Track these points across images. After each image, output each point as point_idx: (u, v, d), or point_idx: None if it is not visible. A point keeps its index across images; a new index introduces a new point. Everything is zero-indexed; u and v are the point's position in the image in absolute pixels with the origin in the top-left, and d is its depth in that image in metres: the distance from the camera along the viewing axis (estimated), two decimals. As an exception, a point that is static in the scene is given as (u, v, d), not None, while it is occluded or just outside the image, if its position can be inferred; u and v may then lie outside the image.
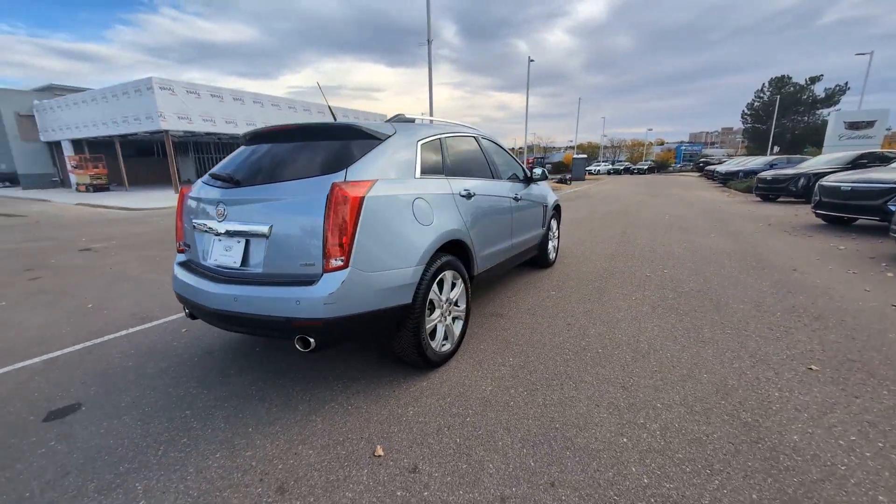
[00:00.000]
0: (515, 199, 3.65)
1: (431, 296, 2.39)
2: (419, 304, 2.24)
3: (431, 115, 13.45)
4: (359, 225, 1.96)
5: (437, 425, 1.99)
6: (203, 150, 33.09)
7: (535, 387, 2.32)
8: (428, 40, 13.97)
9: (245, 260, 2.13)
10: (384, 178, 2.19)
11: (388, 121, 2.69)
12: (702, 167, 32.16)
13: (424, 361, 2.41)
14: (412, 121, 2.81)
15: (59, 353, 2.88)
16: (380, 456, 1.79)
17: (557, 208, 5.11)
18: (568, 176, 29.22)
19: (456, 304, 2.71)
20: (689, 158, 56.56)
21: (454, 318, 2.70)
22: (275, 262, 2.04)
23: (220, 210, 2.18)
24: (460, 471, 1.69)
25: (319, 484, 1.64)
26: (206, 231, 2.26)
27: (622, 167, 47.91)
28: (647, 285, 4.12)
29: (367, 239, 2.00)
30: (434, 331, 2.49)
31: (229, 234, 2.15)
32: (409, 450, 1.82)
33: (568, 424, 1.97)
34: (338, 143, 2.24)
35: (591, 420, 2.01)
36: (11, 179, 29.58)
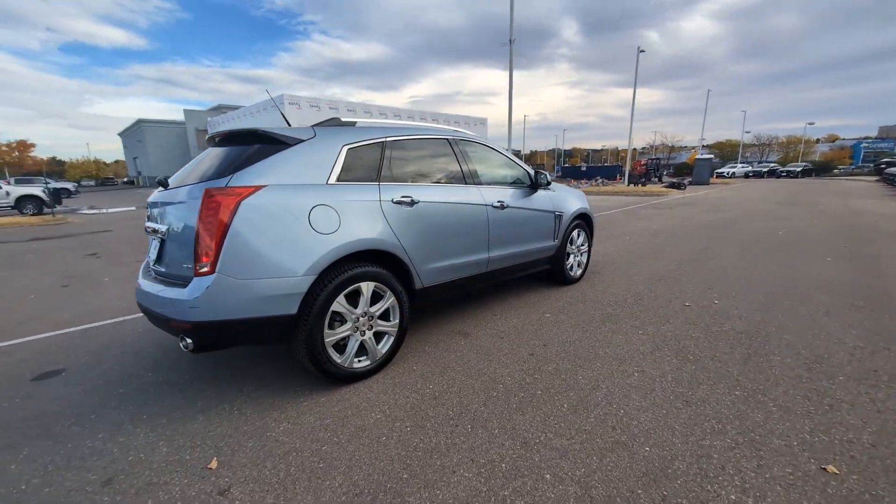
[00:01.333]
0: (500, 206, 3.27)
1: (338, 308, 2.26)
2: (312, 316, 2.14)
3: (510, 117, 13.08)
4: (229, 231, 1.95)
5: (289, 448, 1.87)
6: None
7: (425, 423, 2.02)
8: (510, 40, 13.57)
9: (159, 258, 2.30)
10: (281, 183, 2.15)
11: (319, 124, 2.63)
12: (881, 169, 24.95)
13: (325, 375, 2.29)
14: (352, 124, 2.70)
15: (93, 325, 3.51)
16: (209, 469, 1.75)
17: (586, 219, 4.45)
18: (686, 180, 25.53)
19: (383, 318, 2.53)
20: (873, 158, 44.57)
21: (378, 334, 2.52)
22: (170, 263, 2.16)
23: (150, 212, 2.40)
24: (264, 503, 1.55)
25: (140, 485, 1.67)
26: (147, 231, 2.50)
27: (766, 169, 39.97)
28: (674, 318, 3.31)
29: (240, 246, 1.97)
30: (344, 345, 2.36)
31: (151, 232, 2.35)
32: (240, 469, 1.74)
33: (419, 476, 1.67)
34: (244, 148, 2.27)
35: (450, 478, 1.66)
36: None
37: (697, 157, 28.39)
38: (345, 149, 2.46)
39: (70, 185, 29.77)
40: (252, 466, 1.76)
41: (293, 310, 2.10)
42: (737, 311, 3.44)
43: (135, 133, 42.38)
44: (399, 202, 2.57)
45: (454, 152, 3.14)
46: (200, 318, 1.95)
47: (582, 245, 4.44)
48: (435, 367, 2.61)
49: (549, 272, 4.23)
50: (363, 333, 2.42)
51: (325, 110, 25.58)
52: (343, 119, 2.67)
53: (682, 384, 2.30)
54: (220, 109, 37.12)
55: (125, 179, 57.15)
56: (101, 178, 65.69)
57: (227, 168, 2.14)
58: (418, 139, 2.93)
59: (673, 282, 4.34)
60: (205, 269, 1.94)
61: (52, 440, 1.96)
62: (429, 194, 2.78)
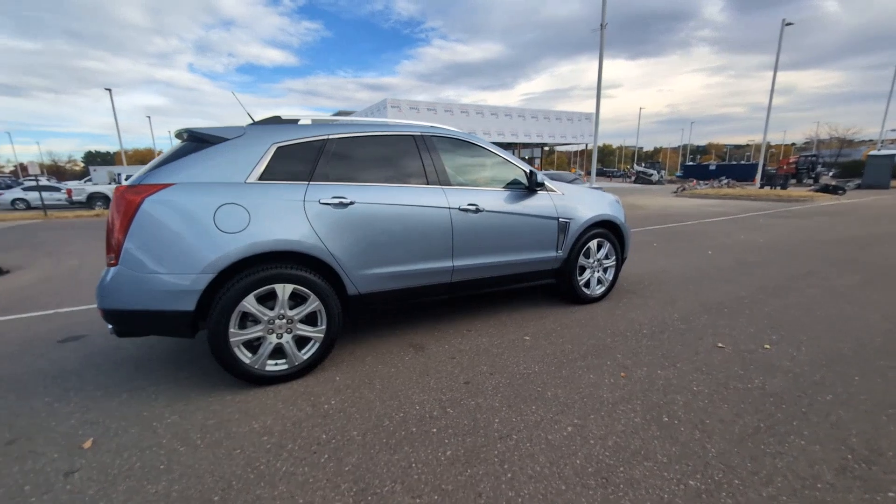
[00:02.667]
0: (472, 210, 2.90)
1: (251, 309, 2.24)
2: (214, 314, 2.14)
3: (598, 107, 11.74)
4: (131, 227, 2.05)
5: (155, 443, 1.88)
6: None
7: (288, 444, 1.86)
8: (601, 25, 12.18)
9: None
10: (191, 181, 2.19)
11: (257, 122, 2.61)
12: None
13: (233, 374, 2.29)
14: (295, 121, 2.62)
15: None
16: (81, 448, 1.86)
17: (612, 228, 3.73)
18: (851, 183, 20.17)
19: (309, 322, 2.43)
20: None
21: (302, 338, 2.44)
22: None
23: None
24: (86, 494, 1.58)
25: (23, 451, 1.84)
26: None
27: None
28: (687, 361, 2.55)
29: (140, 241, 2.06)
30: (258, 345, 2.33)
31: None
32: (102, 454, 1.81)
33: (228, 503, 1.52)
34: (181, 146, 2.37)
35: (254, 512, 1.48)
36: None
37: (871, 153, 22.14)
38: (274, 147, 2.41)
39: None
40: (113, 454, 1.82)
41: (190, 307, 2.12)
42: (789, 363, 2.50)
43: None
44: (328, 203, 2.43)
45: (419, 151, 2.88)
46: (107, 305, 2.10)
47: (605, 259, 3.73)
48: (357, 380, 2.42)
49: (555, 288, 3.66)
50: (280, 336, 2.36)
51: (423, 112, 26.64)
52: (285, 116, 2.63)
53: (619, 456, 1.72)
54: (340, 114, 41.45)
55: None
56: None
57: (156, 165, 2.27)
58: (372, 136, 2.75)
59: (727, 313, 3.38)
60: (112, 261, 2.08)
61: None
62: (371, 195, 2.59)
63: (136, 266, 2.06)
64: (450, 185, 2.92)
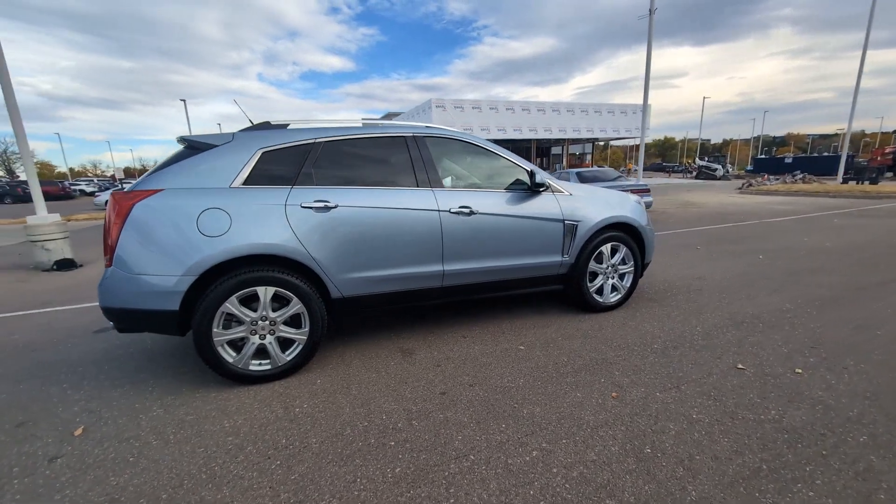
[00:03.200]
0: (464, 212, 2.79)
1: (233, 310, 2.31)
2: (198, 314, 2.23)
3: (646, 99, 10.87)
4: (123, 230, 2.18)
5: (134, 434, 1.98)
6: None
7: (247, 447, 1.88)
8: (650, 11, 11.25)
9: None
10: (180, 187, 2.29)
11: (248, 129, 2.66)
12: None
13: (217, 372, 2.37)
14: (284, 126, 2.65)
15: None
16: (72, 434, 2.01)
17: (630, 231, 3.43)
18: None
19: (293, 324, 2.47)
20: None
21: (286, 340, 2.47)
22: None
23: None
24: (59, 481, 1.70)
25: (24, 433, 2.03)
26: None
27: None
28: (694, 384, 2.26)
29: (131, 243, 2.19)
30: (242, 345, 2.39)
31: None
32: (87, 442, 1.94)
33: None
34: (176, 153, 2.49)
35: (193, 515, 1.50)
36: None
37: None
38: (259, 152, 2.46)
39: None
40: (96, 443, 1.94)
41: (175, 306, 2.22)
42: (821, 393, 2.13)
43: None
44: (310, 207, 2.45)
45: (410, 152, 2.81)
46: (104, 303, 2.26)
47: (621, 264, 3.44)
48: (336, 384, 2.41)
49: (564, 294, 3.44)
50: (263, 337, 2.41)
51: (467, 110, 26.54)
52: (274, 122, 2.67)
53: (580, 490, 1.55)
54: (389, 115, 42.46)
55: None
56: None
57: (153, 171, 2.41)
58: (362, 139, 2.73)
59: (761, 329, 2.97)
60: (107, 262, 2.23)
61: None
62: (355, 199, 2.56)
63: (127, 267, 2.20)
64: (441, 186, 2.83)
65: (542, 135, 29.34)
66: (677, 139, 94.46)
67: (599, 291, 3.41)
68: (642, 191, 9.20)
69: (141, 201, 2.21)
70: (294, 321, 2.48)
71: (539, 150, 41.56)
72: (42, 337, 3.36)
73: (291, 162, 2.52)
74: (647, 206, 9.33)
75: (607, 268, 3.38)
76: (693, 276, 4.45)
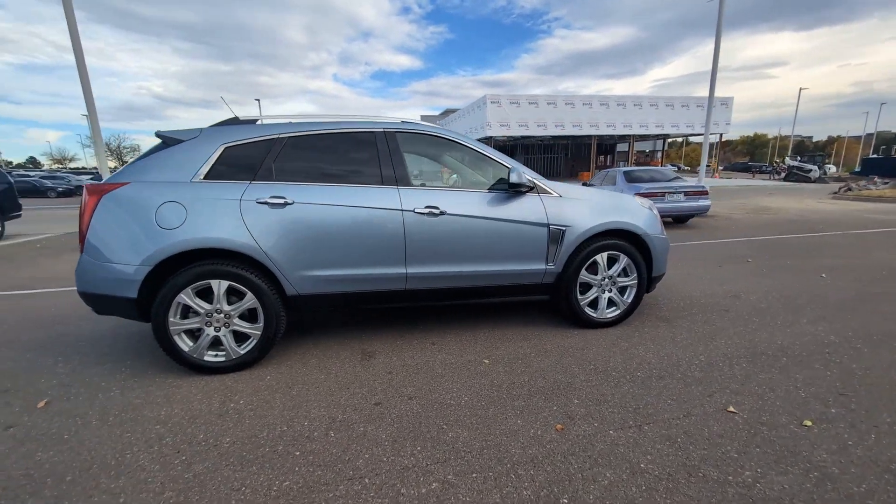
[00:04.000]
0: (431, 213, 2.63)
1: (188, 301, 2.38)
2: (155, 303, 2.33)
3: (712, 88, 9.55)
4: (92, 220, 2.32)
5: (79, 414, 2.11)
6: (531, 150, 37.90)
7: (134, 446, 1.91)
8: None
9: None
10: (144, 180, 2.39)
11: (217, 124, 2.68)
12: None
13: (177, 360, 2.45)
14: (253, 121, 2.65)
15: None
16: (36, 406, 2.18)
17: (633, 240, 3.04)
18: None
19: (250, 319, 2.50)
20: None
21: (241, 333, 2.50)
22: None
23: None
24: (16, 452, 1.84)
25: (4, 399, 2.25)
26: None
27: None
28: (670, 423, 1.91)
29: (97, 233, 2.32)
30: (197, 336, 2.46)
31: None
32: (41, 414, 2.10)
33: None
34: (151, 147, 2.61)
35: None
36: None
37: None
38: (222, 147, 2.50)
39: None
40: (49, 416, 2.09)
41: (133, 294, 2.33)
42: (827, 455, 1.68)
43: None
44: (264, 202, 2.44)
45: (378, 148, 2.70)
46: (79, 287, 2.43)
47: (621, 276, 3.05)
48: (282, 383, 2.39)
49: (553, 305, 3.14)
50: (218, 330, 2.46)
51: (524, 106, 25.83)
52: (243, 117, 2.70)
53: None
54: (447, 113, 42.69)
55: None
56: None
57: (127, 165, 2.54)
58: (329, 134, 2.67)
59: (783, 364, 2.47)
60: (80, 249, 2.40)
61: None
62: (313, 195, 2.51)
63: (94, 255, 2.34)
64: (409, 185, 2.69)
65: (604, 130, 27.72)
66: (770, 136, 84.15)
67: (594, 305, 3.06)
68: (698, 192, 8.26)
69: (108, 193, 2.34)
70: (250, 316, 2.50)
71: (602, 148, 39.39)
72: (73, 312, 3.75)
73: (253, 157, 2.53)
74: (701, 210, 8.37)
75: (603, 279, 3.02)
76: (725, 294, 3.86)
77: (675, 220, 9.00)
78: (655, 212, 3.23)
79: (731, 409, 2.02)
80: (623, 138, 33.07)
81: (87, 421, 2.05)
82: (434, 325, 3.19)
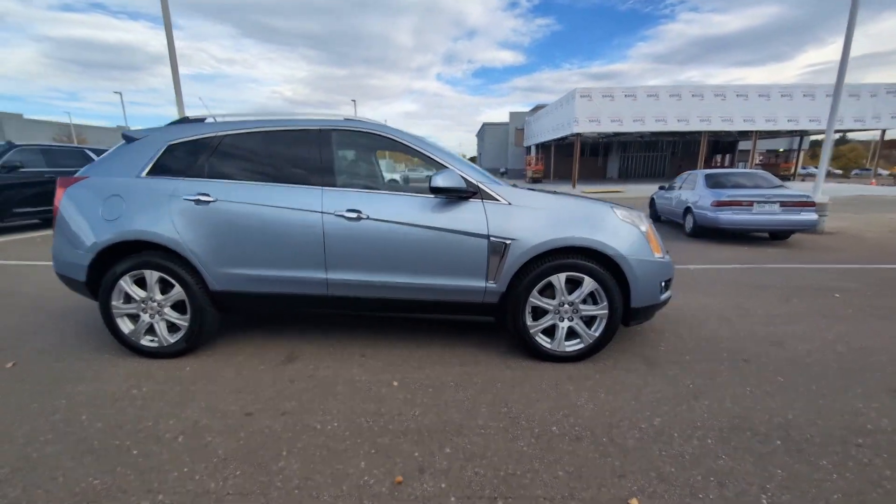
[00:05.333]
0: (352, 217, 2.45)
1: (127, 288, 2.58)
2: (101, 288, 2.57)
3: (842, 72, 7.31)
4: (59, 210, 2.63)
5: (39, 380, 2.42)
6: (629, 148, 34.64)
7: None
8: None
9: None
10: (100, 175, 2.63)
11: (171, 123, 2.79)
12: None
13: (119, 341, 2.67)
14: (201, 120, 2.71)
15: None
16: (4, 367, 2.56)
17: (604, 262, 2.48)
18: None
19: (175, 309, 2.62)
20: None
21: (169, 322, 2.63)
22: None
23: None
24: (-52, 401, 2.19)
25: (-6, 358, 2.69)
26: None
27: None
28: (551, 486, 1.50)
29: (62, 221, 2.62)
30: (137, 320, 2.65)
31: None
32: (2, 376, 2.45)
33: (-45, 445, 1.83)
34: (116, 145, 2.86)
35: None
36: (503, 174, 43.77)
37: None
38: (166, 145, 2.63)
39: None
40: (7, 379, 2.43)
41: (82, 278, 2.59)
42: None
43: (481, 134, 53.88)
44: (189, 199, 2.51)
45: (311, 147, 2.59)
46: (54, 268, 2.78)
47: (585, 304, 2.52)
48: (193, 376, 2.45)
49: (499, 327, 2.73)
50: (152, 317, 2.62)
51: (619, 99, 23.66)
52: (192, 116, 2.80)
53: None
54: (536, 109, 41.15)
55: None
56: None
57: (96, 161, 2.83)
58: (267, 133, 2.64)
59: (769, 452, 1.78)
60: (54, 235, 2.74)
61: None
62: (236, 194, 2.52)
63: (59, 241, 2.65)
64: (335, 186, 2.54)
65: (718, 126, 24.03)
66: (973, 131, 64.24)
67: (550, 333, 2.58)
68: (800, 203, 6.61)
69: (70, 186, 2.63)
70: (180, 307, 2.61)
71: (719, 146, 34.28)
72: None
73: (190, 155, 2.62)
74: (803, 225, 6.66)
75: (561, 305, 2.52)
76: (765, 338, 2.97)
77: (771, 236, 7.36)
78: (645, 228, 2.59)
79: (634, 502, 1.50)
80: (744, 135, 28.31)
81: (14, 390, 2.29)
82: (377, 336, 3.01)
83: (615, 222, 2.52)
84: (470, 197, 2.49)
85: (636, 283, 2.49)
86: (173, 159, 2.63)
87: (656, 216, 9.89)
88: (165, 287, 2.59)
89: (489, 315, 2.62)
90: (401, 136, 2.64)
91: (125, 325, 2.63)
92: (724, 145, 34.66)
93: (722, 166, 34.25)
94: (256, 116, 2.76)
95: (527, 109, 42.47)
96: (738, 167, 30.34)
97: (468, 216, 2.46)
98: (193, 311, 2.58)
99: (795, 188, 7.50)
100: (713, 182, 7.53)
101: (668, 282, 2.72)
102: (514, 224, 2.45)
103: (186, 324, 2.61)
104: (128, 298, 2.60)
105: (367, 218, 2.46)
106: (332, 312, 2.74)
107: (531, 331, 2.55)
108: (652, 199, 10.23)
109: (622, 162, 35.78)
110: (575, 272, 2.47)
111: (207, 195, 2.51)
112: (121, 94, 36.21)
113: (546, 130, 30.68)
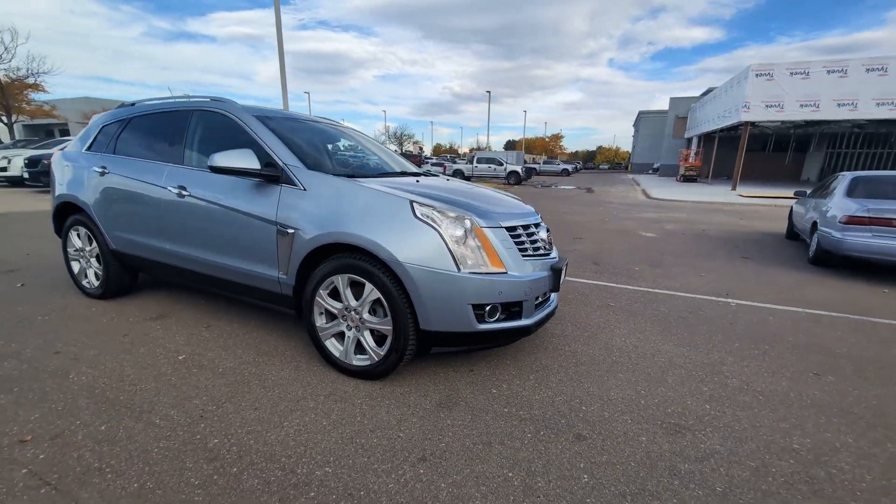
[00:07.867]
0: (179, 193, 2.60)
1: (73, 238, 3.30)
2: (63, 234, 3.35)
3: None
4: (51, 174, 3.49)
5: (20, 350, 3.34)
6: (838, 142, 26.04)
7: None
8: None
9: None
10: (66, 149, 3.38)
11: (118, 106, 3.30)
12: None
13: (74, 281, 3.43)
14: (132, 105, 3.16)
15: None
16: None
17: (384, 268, 2.03)
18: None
19: (97, 260, 3.22)
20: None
21: (95, 271, 3.26)
22: None
23: None
24: (-40, 301, 3.20)
25: None
26: None
27: None
28: None
29: (52, 177, 3.45)
30: (85, 270, 3.36)
31: None
32: None
33: (-87, 329, 2.69)
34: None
35: None
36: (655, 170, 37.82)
37: None
38: (101, 126, 3.22)
39: (569, 166, 39.33)
40: None
41: (54, 227, 3.41)
42: None
43: (637, 124, 47.68)
44: (96, 170, 3.02)
45: (186, 127, 2.79)
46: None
47: (372, 315, 2.12)
48: (113, 329, 2.99)
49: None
50: (84, 264, 3.30)
51: (816, 75, 18.06)
52: (126, 102, 3.29)
53: None
54: (706, 93, 34.24)
55: (612, 164, 73.09)
56: (613, 162, 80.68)
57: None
58: (160, 113, 2.97)
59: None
60: (53, 193, 3.65)
61: None
62: (122, 168, 2.93)
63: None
64: (182, 164, 2.71)
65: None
66: None
67: (341, 338, 2.27)
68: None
69: (53, 156, 3.47)
70: (99, 258, 3.21)
71: None
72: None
73: (111, 134, 3.15)
74: None
75: (346, 310, 2.18)
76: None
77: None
78: (459, 232, 2.00)
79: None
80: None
81: (22, 360, 3.21)
82: (230, 310, 3.10)
83: (407, 219, 2.03)
84: (275, 181, 2.33)
85: (421, 299, 1.97)
86: (103, 137, 3.20)
87: (793, 233, 7.30)
88: (90, 241, 3.20)
89: (291, 309, 2.44)
90: (238, 114, 2.58)
91: (76, 267, 3.38)
92: None
93: None
94: (161, 100, 3.12)
95: (696, 94, 35.50)
96: None
97: (263, 200, 2.33)
98: (104, 263, 3.13)
99: None
100: (862, 188, 5.14)
101: (504, 305, 2.07)
102: (300, 213, 2.21)
103: (104, 275, 3.18)
104: (74, 246, 3.32)
105: (189, 195, 2.56)
106: (189, 285, 2.96)
107: (320, 333, 2.28)
108: (791, 211, 7.56)
109: (828, 160, 27.10)
110: (356, 275, 2.09)
111: (105, 168, 3.00)
112: (308, 93, 44.47)
113: (710, 119, 25.26)
